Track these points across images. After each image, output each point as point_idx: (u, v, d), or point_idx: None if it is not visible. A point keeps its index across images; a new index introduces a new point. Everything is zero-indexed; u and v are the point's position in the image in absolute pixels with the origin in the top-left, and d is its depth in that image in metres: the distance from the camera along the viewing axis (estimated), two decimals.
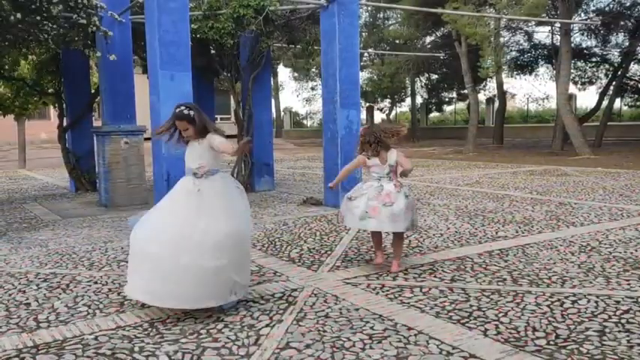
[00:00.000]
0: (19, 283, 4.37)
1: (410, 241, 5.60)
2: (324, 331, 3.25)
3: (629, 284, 4.05)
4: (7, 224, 7.04)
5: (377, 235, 4.68)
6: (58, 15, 6.98)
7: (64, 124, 10.54)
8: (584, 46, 23.40)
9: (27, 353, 3.02)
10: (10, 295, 4.08)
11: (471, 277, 4.31)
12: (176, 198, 3.72)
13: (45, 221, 7.20)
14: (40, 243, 5.86)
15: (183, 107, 3.75)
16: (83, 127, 10.34)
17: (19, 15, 6.58)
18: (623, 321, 3.33)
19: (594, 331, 3.19)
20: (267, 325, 3.36)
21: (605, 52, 23.21)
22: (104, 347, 3.08)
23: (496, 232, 5.95)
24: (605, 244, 5.33)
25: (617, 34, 22.28)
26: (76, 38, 7.75)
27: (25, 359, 2.95)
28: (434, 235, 5.89)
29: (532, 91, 53.72)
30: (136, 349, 3.06)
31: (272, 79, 14.98)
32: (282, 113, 41.70)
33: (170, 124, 3.81)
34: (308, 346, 3.04)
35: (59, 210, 8.13)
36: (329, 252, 5.21)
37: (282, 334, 3.21)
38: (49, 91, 11.18)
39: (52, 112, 22.56)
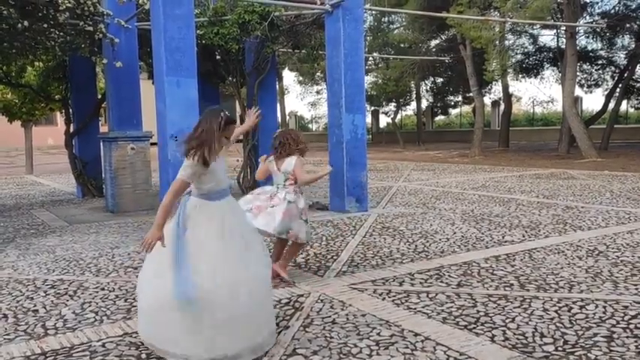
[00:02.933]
0: (27, 290, 4.39)
1: (416, 245, 5.60)
2: (331, 338, 3.25)
3: (637, 289, 4.03)
4: (14, 230, 7.08)
5: (280, 246, 4.54)
6: (64, 22, 7.04)
7: (71, 130, 10.60)
8: (589, 48, 23.34)
9: None
10: (17, 301, 4.11)
11: (478, 282, 4.30)
12: (215, 229, 3.04)
13: (52, 227, 7.24)
14: (47, 249, 5.89)
15: (224, 110, 3.16)
16: (90, 133, 10.39)
17: (26, 23, 6.64)
18: (631, 326, 3.31)
19: (602, 336, 3.17)
20: None
21: (611, 55, 23.12)
22: (111, 354, 3.09)
23: (503, 237, 5.94)
24: (613, 248, 5.30)
25: (622, 37, 22.20)
26: (83, 45, 7.80)
27: None
28: (440, 239, 5.87)
29: (538, 94, 53.63)
30: (143, 355, 3.06)
31: (277, 83, 15.01)
32: (288, 117, 41.70)
33: (219, 134, 3.02)
34: (315, 353, 3.04)
35: (66, 216, 8.17)
36: (335, 257, 5.21)
37: (289, 341, 3.20)
38: (56, 97, 11.25)
39: (59, 117, 22.71)
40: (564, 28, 18.33)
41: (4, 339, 3.36)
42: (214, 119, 3.03)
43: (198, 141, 2.97)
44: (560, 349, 3.02)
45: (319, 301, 3.93)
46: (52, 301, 4.09)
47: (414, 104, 31.85)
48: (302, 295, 4.05)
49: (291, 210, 4.26)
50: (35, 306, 3.99)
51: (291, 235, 4.33)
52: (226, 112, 3.12)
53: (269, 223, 4.17)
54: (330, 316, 3.60)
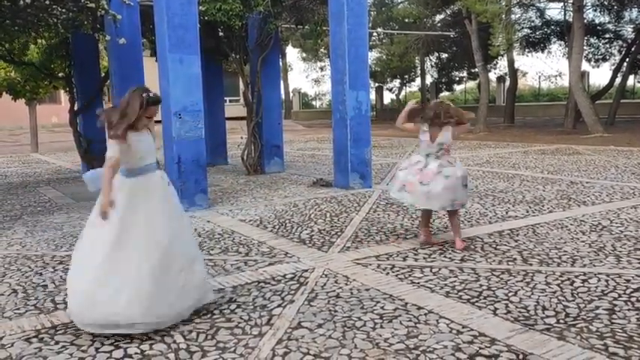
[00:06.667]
0: (36, 266, 4.46)
1: (420, 221, 5.61)
2: (335, 311, 3.30)
3: (639, 263, 4.05)
4: (22, 208, 7.14)
5: (427, 214, 4.80)
6: None
7: (75, 108, 10.59)
8: (597, 22, 23.00)
9: (45, 334, 3.10)
10: (27, 277, 4.17)
11: (481, 256, 4.33)
12: (146, 201, 3.27)
13: (59, 205, 7.30)
14: (54, 226, 5.95)
15: (149, 91, 3.22)
16: (94, 111, 10.35)
17: None
18: (633, 299, 3.34)
19: (604, 309, 3.21)
20: (279, 306, 3.41)
21: (618, 28, 22.79)
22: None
23: (506, 212, 5.95)
24: (617, 223, 5.32)
25: (630, 10, 21.84)
26: (85, 22, 7.74)
27: (43, 339, 3.03)
28: (443, 215, 5.86)
29: (544, 68, 53.08)
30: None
31: (280, 60, 14.89)
32: (291, 94, 41.51)
33: (138, 112, 3.13)
34: (319, 326, 3.09)
35: (72, 193, 8.22)
36: (339, 233, 5.24)
37: (294, 314, 3.26)
38: (59, 75, 11.23)
39: (63, 96, 22.64)
40: (571, 1, 18.04)
41: (15, 313, 3.43)
42: (137, 97, 3.13)
43: (119, 117, 3.11)
44: (561, 321, 3.06)
45: (323, 275, 3.97)
46: (60, 276, 4.15)
47: (418, 80, 31.65)
48: (306, 270, 4.10)
49: (452, 182, 4.47)
50: (44, 281, 4.05)
51: (458, 204, 4.58)
52: (150, 93, 3.19)
53: (430, 201, 4.45)
54: (334, 291, 3.65)
